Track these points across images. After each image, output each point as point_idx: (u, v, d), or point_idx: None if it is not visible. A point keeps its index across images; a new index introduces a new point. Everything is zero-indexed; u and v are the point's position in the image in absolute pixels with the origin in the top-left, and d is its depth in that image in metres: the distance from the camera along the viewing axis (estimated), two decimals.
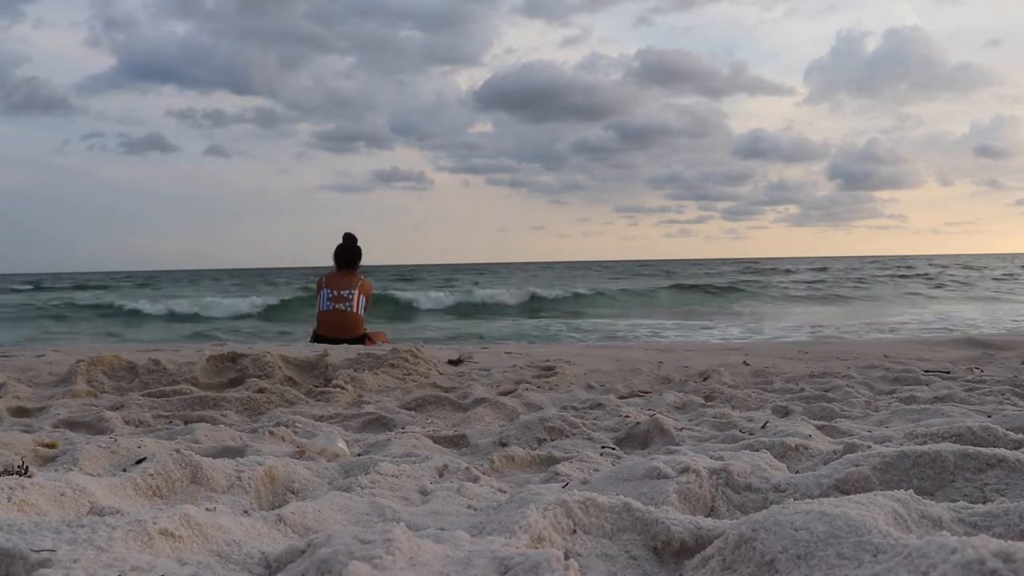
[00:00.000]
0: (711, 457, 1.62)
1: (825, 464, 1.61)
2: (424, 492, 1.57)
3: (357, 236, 6.37)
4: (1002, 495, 1.28)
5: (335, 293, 6.05)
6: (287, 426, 2.44)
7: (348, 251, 6.26)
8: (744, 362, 4.81)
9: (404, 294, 24.87)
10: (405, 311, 21.85)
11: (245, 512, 1.36)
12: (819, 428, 2.38)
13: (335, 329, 6.01)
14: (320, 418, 2.80)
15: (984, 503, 1.22)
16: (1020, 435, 1.71)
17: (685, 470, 1.39)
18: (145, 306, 22.73)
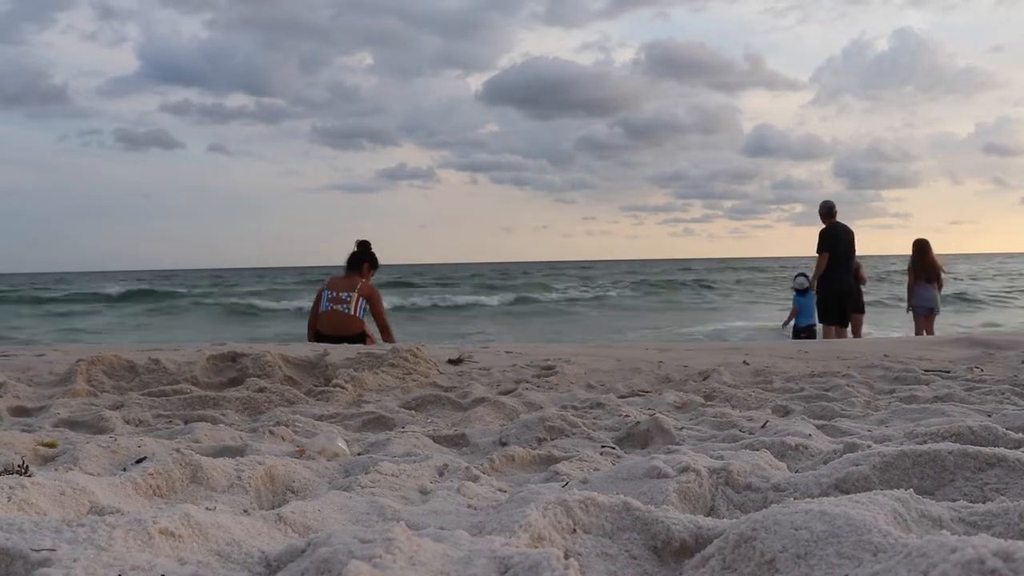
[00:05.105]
0: (711, 456, 1.62)
1: (825, 463, 1.61)
2: (424, 491, 1.57)
3: (371, 243, 6.51)
4: (1002, 494, 1.28)
5: (334, 294, 6.17)
6: (287, 425, 2.44)
7: (356, 253, 6.39)
8: (744, 361, 4.81)
9: None
10: None
11: (245, 511, 1.36)
12: (819, 427, 2.38)
13: (333, 328, 6.09)
14: (320, 417, 2.80)
15: (984, 502, 1.22)
16: (1020, 434, 1.71)
17: (685, 469, 1.39)
18: None
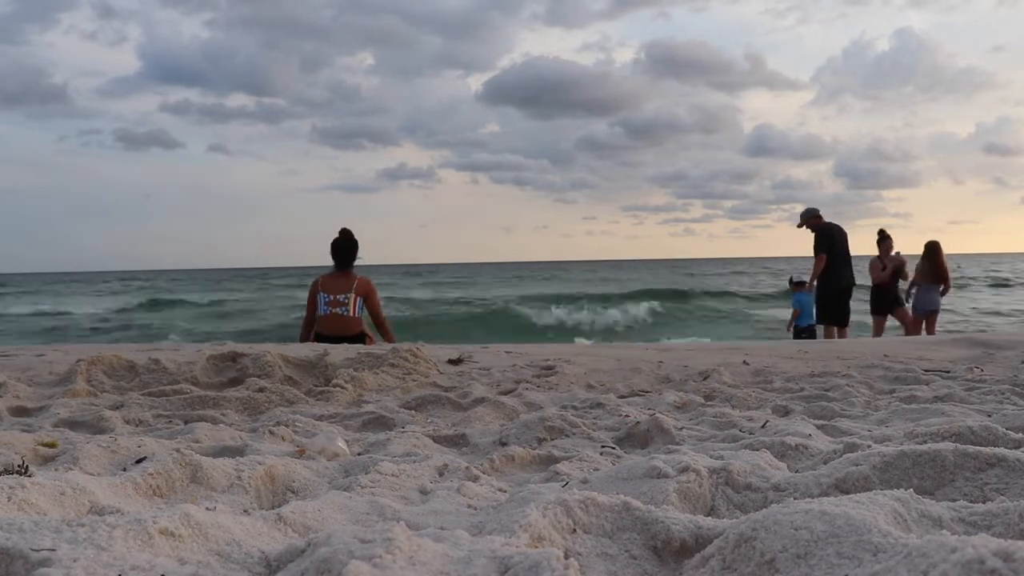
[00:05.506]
0: (711, 456, 1.62)
1: (825, 463, 1.61)
2: (424, 491, 1.57)
3: (353, 231, 6.34)
4: (1002, 494, 1.28)
5: (332, 297, 6.03)
6: (287, 425, 2.44)
7: (345, 248, 6.22)
8: (744, 361, 4.81)
9: None
10: None
11: (245, 511, 1.36)
12: (819, 427, 2.38)
13: (334, 330, 6.03)
14: (320, 417, 2.80)
15: (984, 502, 1.22)
16: (1020, 434, 1.71)
17: (685, 469, 1.39)
18: None
